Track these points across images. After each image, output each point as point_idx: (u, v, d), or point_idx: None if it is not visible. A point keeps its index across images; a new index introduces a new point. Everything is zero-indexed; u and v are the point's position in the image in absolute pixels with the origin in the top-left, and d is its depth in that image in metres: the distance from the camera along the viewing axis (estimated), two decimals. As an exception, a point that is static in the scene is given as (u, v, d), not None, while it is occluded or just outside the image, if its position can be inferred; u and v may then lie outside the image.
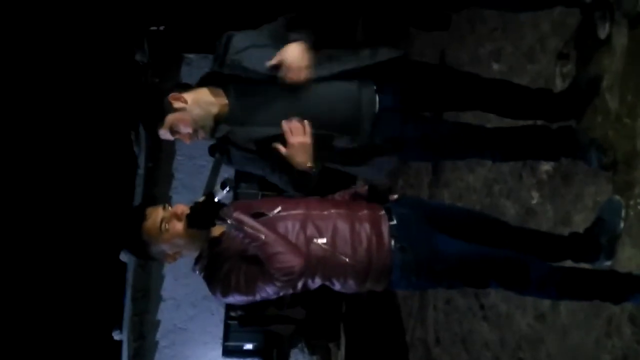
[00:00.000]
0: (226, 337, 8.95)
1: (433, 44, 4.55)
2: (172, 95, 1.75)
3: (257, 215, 1.67)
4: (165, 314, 8.58)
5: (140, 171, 8.88)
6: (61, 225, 8.19)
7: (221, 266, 1.63)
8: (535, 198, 2.70)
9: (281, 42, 1.75)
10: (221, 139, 1.83)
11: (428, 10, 2.07)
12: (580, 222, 2.23)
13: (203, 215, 1.60)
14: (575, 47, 2.39)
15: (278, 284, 1.57)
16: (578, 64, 2.34)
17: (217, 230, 1.68)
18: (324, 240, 1.63)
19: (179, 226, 1.63)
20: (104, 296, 8.28)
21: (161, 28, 8.40)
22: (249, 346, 9.09)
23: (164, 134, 1.76)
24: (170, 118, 1.73)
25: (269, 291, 1.61)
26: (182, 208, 1.64)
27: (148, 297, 8.44)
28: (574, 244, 1.95)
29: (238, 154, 1.82)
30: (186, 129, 1.75)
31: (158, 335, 8.59)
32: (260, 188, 9.43)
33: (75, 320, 8.42)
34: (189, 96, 1.76)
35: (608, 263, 1.92)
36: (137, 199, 8.76)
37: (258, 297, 1.63)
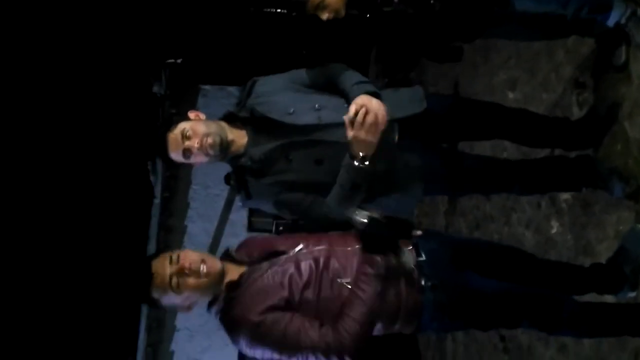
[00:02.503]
0: (240, 369, 8.81)
1: (446, 74, 4.58)
2: (190, 110, 1.78)
3: (277, 254, 1.57)
4: (180, 344, 8.51)
5: (157, 201, 8.95)
6: (78, 254, 8.24)
7: (246, 314, 1.47)
8: (555, 227, 2.66)
9: (301, 86, 1.80)
10: (237, 170, 1.81)
11: (440, 42, 2.08)
12: (602, 251, 2.19)
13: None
14: (591, 75, 2.39)
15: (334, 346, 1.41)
16: (595, 92, 2.34)
17: (234, 272, 1.56)
18: (348, 280, 1.50)
19: (191, 281, 1.49)
20: (119, 325, 8.23)
21: (178, 60, 8.60)
22: (263, 378, 8.91)
23: (174, 142, 1.70)
24: (182, 123, 1.71)
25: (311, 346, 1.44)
26: (191, 258, 1.50)
27: (162, 327, 8.39)
28: (597, 275, 1.90)
29: (256, 182, 1.76)
30: (197, 134, 1.68)
31: (172, 366, 8.51)
32: (274, 217, 9.43)
33: (90, 350, 8.38)
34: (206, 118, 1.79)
35: (632, 294, 1.88)
36: (153, 229, 8.81)
37: (294, 359, 1.46)
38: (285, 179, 1.73)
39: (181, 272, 1.48)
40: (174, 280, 1.48)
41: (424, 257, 1.59)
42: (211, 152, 1.71)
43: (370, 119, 1.52)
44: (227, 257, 1.62)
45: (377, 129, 1.54)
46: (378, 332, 1.58)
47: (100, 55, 7.64)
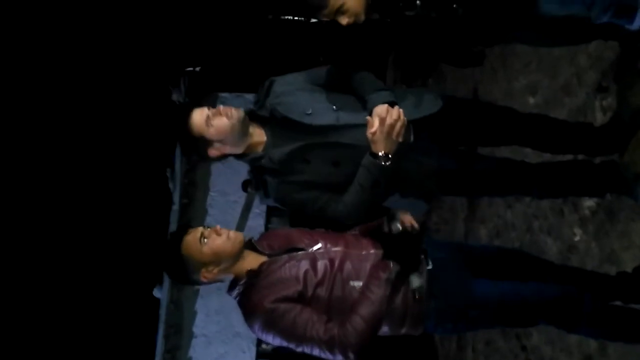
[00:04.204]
0: (257, 376, 8.82)
1: (465, 79, 4.54)
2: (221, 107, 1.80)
3: (295, 250, 1.65)
4: (197, 350, 8.54)
5: (175, 207, 9.03)
6: (96, 261, 8.34)
7: (261, 300, 1.57)
8: (578, 235, 2.60)
9: (318, 87, 1.83)
10: (256, 170, 1.83)
11: (461, 47, 2.06)
12: (628, 260, 2.13)
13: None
14: (615, 80, 2.34)
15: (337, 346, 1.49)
16: (619, 97, 2.29)
17: (255, 261, 1.65)
18: (359, 284, 1.57)
19: (218, 240, 1.62)
20: (137, 332, 8.30)
21: (197, 69, 8.69)
22: (279, 385, 8.92)
23: (198, 115, 1.75)
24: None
25: (316, 341, 1.52)
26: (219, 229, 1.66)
27: (180, 334, 8.44)
28: (622, 284, 1.86)
29: (275, 182, 1.80)
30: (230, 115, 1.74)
31: (189, 373, 8.54)
32: (291, 224, 9.43)
33: (109, 356, 8.45)
34: None
35: (660, 305, 1.82)
36: (171, 235, 8.87)
37: (301, 349, 1.55)
38: (303, 179, 1.77)
39: (211, 233, 1.63)
40: (205, 232, 1.62)
41: (430, 266, 1.63)
42: (235, 115, 1.74)
43: (389, 126, 1.62)
44: (249, 245, 1.71)
45: (397, 133, 1.64)
46: (384, 333, 1.64)
47: (120, 63, 7.76)
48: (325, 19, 1.81)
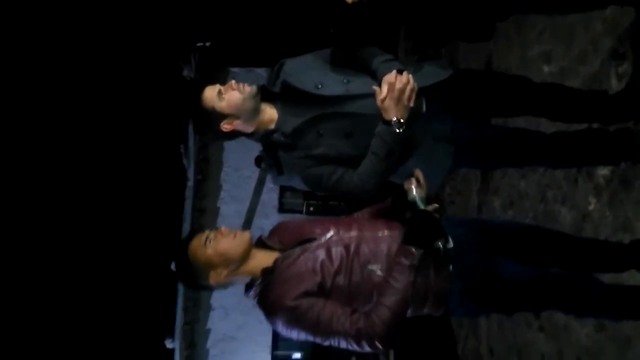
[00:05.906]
0: (275, 346, 9.01)
1: (479, 49, 4.47)
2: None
3: (309, 240, 1.60)
4: (215, 322, 8.74)
5: (190, 183, 9.12)
6: (115, 238, 8.50)
7: (281, 298, 1.51)
8: (592, 204, 2.60)
9: (328, 64, 1.82)
10: (269, 147, 1.83)
11: (471, 21, 2.03)
12: (642, 228, 2.13)
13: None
14: (631, 46, 2.30)
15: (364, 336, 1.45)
16: (635, 63, 2.25)
17: (268, 258, 1.59)
18: (378, 266, 1.54)
19: (223, 241, 1.57)
20: (157, 305, 8.51)
21: (207, 44, 8.65)
22: (297, 355, 9.13)
23: (209, 90, 1.75)
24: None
25: (344, 334, 1.47)
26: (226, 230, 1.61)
27: (199, 306, 8.63)
28: (636, 252, 1.86)
29: (288, 157, 1.78)
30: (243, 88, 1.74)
31: (208, 344, 8.76)
32: (305, 197, 9.49)
33: (129, 329, 8.70)
34: None
35: (673, 271, 1.83)
36: (187, 211, 9.00)
37: (328, 343, 1.50)
38: (316, 153, 1.75)
39: (216, 234, 1.59)
40: (210, 235, 1.57)
41: (451, 244, 1.59)
42: (247, 90, 1.74)
43: (399, 91, 1.61)
44: (260, 244, 1.66)
45: (408, 97, 1.63)
46: (407, 315, 1.59)
47: (131, 41, 7.75)
48: None
